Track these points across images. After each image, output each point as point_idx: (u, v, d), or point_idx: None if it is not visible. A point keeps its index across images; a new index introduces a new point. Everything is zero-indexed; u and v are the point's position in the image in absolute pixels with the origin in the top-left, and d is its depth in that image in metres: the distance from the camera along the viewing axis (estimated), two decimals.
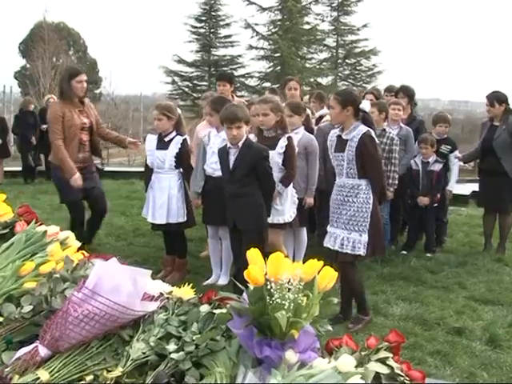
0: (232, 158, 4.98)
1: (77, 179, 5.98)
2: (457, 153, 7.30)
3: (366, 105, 4.76)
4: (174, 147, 5.80)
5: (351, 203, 4.68)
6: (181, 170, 5.88)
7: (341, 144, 4.76)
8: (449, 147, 7.28)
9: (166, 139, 5.81)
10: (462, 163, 7.43)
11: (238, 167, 4.93)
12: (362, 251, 4.62)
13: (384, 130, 6.70)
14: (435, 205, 7.24)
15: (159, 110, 5.78)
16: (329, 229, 4.88)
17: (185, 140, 5.85)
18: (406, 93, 7.79)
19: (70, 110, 6.09)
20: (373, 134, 4.68)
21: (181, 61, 27.88)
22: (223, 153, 5.07)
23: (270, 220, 5.17)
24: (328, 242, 4.82)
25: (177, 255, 6.09)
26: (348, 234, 4.67)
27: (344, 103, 4.68)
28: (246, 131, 4.98)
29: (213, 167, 5.73)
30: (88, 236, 6.44)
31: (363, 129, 4.64)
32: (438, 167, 7.11)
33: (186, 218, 5.86)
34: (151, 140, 5.94)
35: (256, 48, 27.66)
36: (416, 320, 4.99)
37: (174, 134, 5.83)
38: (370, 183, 4.66)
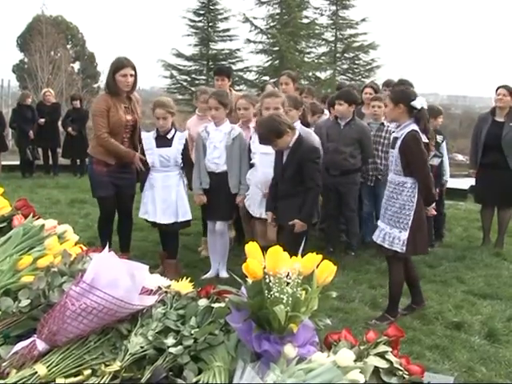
0: (284, 157, 5.10)
1: (137, 158, 5.79)
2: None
3: (418, 102, 4.72)
4: (178, 143, 5.75)
5: (395, 200, 4.74)
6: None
7: (394, 141, 4.86)
8: (441, 137, 7.30)
9: (169, 136, 5.74)
10: (461, 157, 7.44)
11: (289, 166, 5.06)
12: (399, 248, 4.66)
13: (382, 123, 6.70)
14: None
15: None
16: (378, 222, 5.04)
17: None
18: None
19: (116, 105, 5.77)
20: (418, 134, 4.69)
21: (179, 55, 27.85)
22: (278, 152, 5.16)
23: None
24: (375, 235, 4.95)
25: (167, 256, 6.03)
26: (390, 229, 4.75)
27: (395, 100, 4.75)
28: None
29: (215, 162, 5.77)
30: (120, 242, 6.22)
31: (410, 128, 4.69)
32: (436, 161, 7.11)
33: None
34: (148, 138, 5.82)
35: (254, 42, 27.64)
36: (415, 314, 5.00)
37: (173, 130, 5.78)
38: (417, 182, 4.70)
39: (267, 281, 2.02)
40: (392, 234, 4.70)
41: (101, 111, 5.72)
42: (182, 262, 6.30)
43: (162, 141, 5.74)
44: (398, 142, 4.69)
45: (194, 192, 5.92)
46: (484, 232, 7.57)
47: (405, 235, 4.64)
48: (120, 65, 5.73)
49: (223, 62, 27.55)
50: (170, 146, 5.72)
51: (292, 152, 5.05)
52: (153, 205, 5.81)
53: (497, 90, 7.37)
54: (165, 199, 5.74)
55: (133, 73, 5.77)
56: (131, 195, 6.20)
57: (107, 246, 2.46)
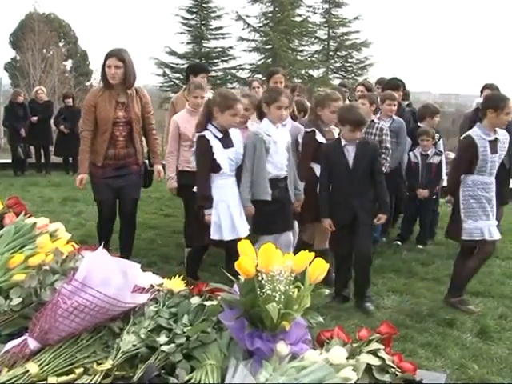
0: (351, 155, 5.12)
1: (78, 179, 5.51)
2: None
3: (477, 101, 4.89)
4: (239, 142, 5.18)
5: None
6: None
7: (494, 144, 5.10)
8: (438, 135, 7.34)
9: (231, 135, 5.16)
10: (454, 155, 7.48)
11: (361, 164, 5.10)
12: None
13: (372, 120, 6.69)
14: (433, 197, 7.34)
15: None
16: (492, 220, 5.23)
17: None
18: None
19: (106, 99, 5.40)
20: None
21: (172, 52, 27.83)
22: (337, 149, 5.18)
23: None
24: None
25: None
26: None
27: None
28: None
29: (281, 167, 5.34)
30: (120, 246, 5.84)
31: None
32: (437, 159, 7.17)
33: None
34: (213, 138, 5.03)
35: (247, 40, 27.63)
36: (407, 312, 5.02)
37: None
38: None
39: (260, 278, 2.02)
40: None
41: (87, 107, 5.51)
42: (174, 259, 6.30)
43: (228, 141, 5.08)
44: (505, 145, 5.13)
45: (244, 203, 5.14)
46: None
47: None
48: (106, 55, 5.39)
49: (216, 60, 27.58)
50: (233, 145, 5.09)
51: (362, 150, 5.12)
52: (229, 218, 5.03)
53: (482, 90, 7.77)
54: (238, 209, 5.09)
55: (119, 64, 5.30)
56: (133, 199, 5.75)
57: (101, 245, 2.45)
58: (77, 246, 2.92)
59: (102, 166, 5.49)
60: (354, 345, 2.19)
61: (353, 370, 1.97)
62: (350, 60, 28.83)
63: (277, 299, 1.98)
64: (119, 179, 5.54)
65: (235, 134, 5.16)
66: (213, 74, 27.28)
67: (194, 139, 5.11)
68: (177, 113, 6.59)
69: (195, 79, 6.31)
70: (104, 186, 5.53)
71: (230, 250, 5.00)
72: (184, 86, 7.13)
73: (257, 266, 2.05)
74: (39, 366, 2.11)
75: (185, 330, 2.17)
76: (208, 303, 2.29)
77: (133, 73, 5.47)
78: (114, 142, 5.47)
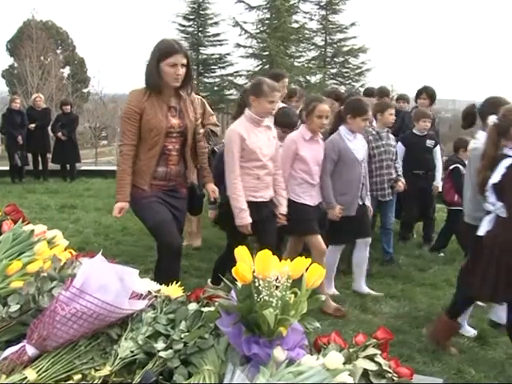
0: None
1: (117, 208, 4.28)
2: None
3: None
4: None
5: None
6: None
7: None
8: (433, 142, 7.33)
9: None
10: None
11: None
12: None
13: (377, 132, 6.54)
14: (439, 189, 7.34)
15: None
16: None
17: None
18: (429, 94, 7.84)
19: (155, 104, 4.28)
20: None
21: None
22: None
23: None
24: None
25: None
26: None
27: None
28: None
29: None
30: (159, 274, 4.50)
31: None
32: (432, 144, 7.23)
33: None
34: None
35: (244, 46, 27.67)
36: (404, 317, 5.03)
37: None
38: None
39: (256, 284, 2.03)
40: None
41: (129, 114, 4.28)
42: None
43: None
44: None
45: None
46: None
47: None
48: (169, 50, 4.23)
49: (213, 67, 27.61)
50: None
51: None
52: None
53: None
54: None
55: (185, 62, 4.28)
56: (180, 229, 4.71)
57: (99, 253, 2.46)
58: (74, 253, 2.93)
59: (149, 187, 4.37)
60: (351, 350, 2.19)
61: (349, 374, 1.98)
62: (347, 66, 28.89)
63: (274, 305, 1.99)
64: (170, 206, 4.45)
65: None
66: (210, 80, 27.35)
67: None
68: None
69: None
70: (157, 203, 4.35)
71: None
72: None
73: (254, 271, 2.06)
74: (37, 372, 2.11)
75: (182, 336, 2.18)
76: (205, 309, 2.30)
77: (191, 70, 4.58)
78: (166, 157, 4.39)
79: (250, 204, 4.72)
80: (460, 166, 6.96)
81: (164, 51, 4.22)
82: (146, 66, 4.29)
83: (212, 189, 4.70)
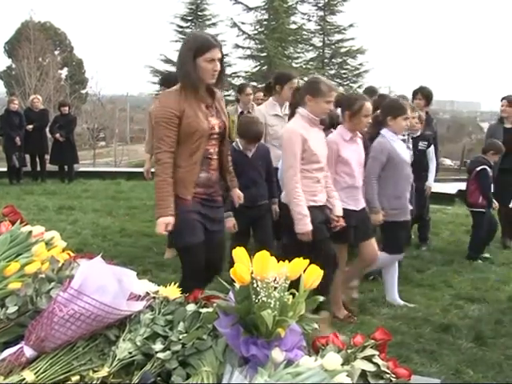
0: None
1: (163, 224, 3.75)
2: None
3: None
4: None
5: None
6: None
7: None
8: (425, 143, 7.25)
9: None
10: (449, 162, 7.52)
11: None
12: None
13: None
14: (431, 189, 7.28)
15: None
16: None
17: None
18: (424, 94, 7.71)
19: (193, 105, 3.86)
20: None
21: (167, 60, 27.84)
22: None
23: None
24: None
25: None
26: None
27: None
28: None
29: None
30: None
31: None
32: (424, 146, 7.12)
33: None
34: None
35: (242, 47, 27.70)
36: (403, 318, 5.02)
37: None
38: None
39: (255, 285, 2.03)
40: None
41: (167, 118, 3.81)
42: (169, 267, 6.31)
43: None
44: None
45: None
46: (503, 230, 7.92)
47: None
48: (206, 45, 3.86)
49: None
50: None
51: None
52: None
53: (501, 100, 7.87)
54: None
55: (220, 56, 3.94)
56: (222, 239, 4.25)
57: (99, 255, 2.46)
58: (72, 254, 2.93)
59: (192, 197, 3.94)
60: (349, 351, 2.20)
61: (347, 375, 1.98)
62: (345, 67, 28.91)
63: (272, 306, 1.99)
64: (211, 218, 4.03)
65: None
66: None
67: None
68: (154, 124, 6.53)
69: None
70: (196, 222, 3.93)
71: None
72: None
73: (252, 273, 2.06)
74: (35, 373, 2.11)
75: (180, 337, 2.19)
76: (203, 310, 2.30)
77: (224, 65, 4.20)
78: (208, 162, 4.00)
79: (310, 209, 4.41)
80: (487, 168, 6.94)
81: (201, 46, 3.85)
82: (179, 63, 3.93)
83: (238, 194, 4.36)
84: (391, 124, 5.21)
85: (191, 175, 3.88)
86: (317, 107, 4.47)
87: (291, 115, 4.69)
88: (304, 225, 4.34)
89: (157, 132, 3.89)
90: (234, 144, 5.36)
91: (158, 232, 3.81)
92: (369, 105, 4.88)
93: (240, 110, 7.86)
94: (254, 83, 25.62)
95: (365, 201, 5.07)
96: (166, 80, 6.48)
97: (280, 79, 6.16)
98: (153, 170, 6.90)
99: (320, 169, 4.51)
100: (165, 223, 3.75)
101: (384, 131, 5.24)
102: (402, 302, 5.40)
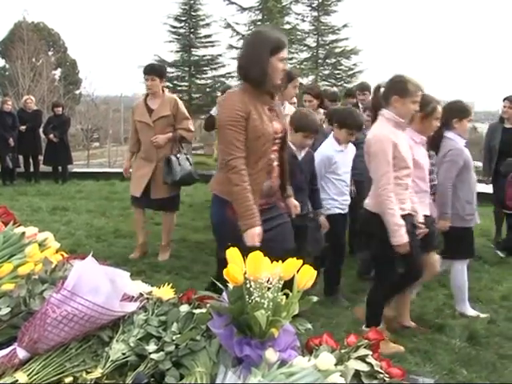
0: None
1: (254, 235, 3.46)
2: None
3: None
4: None
5: None
6: None
7: None
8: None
9: None
10: None
11: None
12: None
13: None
14: None
15: None
16: None
17: None
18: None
19: (258, 108, 3.61)
20: None
21: (161, 61, 27.73)
22: None
23: None
24: None
25: None
26: None
27: None
28: None
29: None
30: None
31: None
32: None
33: None
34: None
35: (236, 48, 27.64)
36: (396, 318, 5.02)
37: None
38: None
39: (248, 286, 2.03)
40: None
41: (235, 121, 3.53)
42: (163, 268, 6.31)
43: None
44: None
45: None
46: (496, 231, 7.99)
47: None
48: (281, 42, 3.70)
49: (205, 68, 27.59)
50: None
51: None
52: None
53: (503, 101, 7.85)
54: None
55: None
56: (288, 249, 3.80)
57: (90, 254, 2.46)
58: (66, 255, 2.93)
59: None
60: (343, 351, 2.20)
61: (341, 375, 1.99)
62: (339, 67, 28.89)
63: (265, 306, 1.99)
64: (271, 228, 3.76)
65: None
66: (202, 81, 27.31)
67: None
68: (136, 120, 6.59)
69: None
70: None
71: None
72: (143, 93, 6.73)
73: (245, 273, 2.06)
74: (28, 375, 2.11)
75: (174, 338, 2.19)
76: (197, 311, 2.30)
77: None
78: (271, 169, 3.76)
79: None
80: None
81: (276, 44, 3.63)
82: (250, 61, 3.63)
83: (294, 204, 4.08)
84: (457, 126, 5.06)
85: (258, 184, 3.62)
86: (404, 108, 4.17)
87: (374, 118, 4.39)
88: (400, 236, 4.07)
89: (224, 136, 3.57)
90: None
91: (252, 244, 3.41)
92: (440, 108, 4.72)
93: None
94: None
95: (436, 206, 4.95)
96: (153, 70, 6.63)
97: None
98: (130, 170, 6.90)
99: (408, 175, 4.27)
100: (255, 235, 3.47)
101: (451, 134, 5.05)
102: (474, 313, 5.20)
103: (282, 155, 3.84)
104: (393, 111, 4.18)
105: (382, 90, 4.32)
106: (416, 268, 4.33)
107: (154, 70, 6.65)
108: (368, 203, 4.33)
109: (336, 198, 5.44)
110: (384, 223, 4.11)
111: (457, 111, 5.07)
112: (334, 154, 5.38)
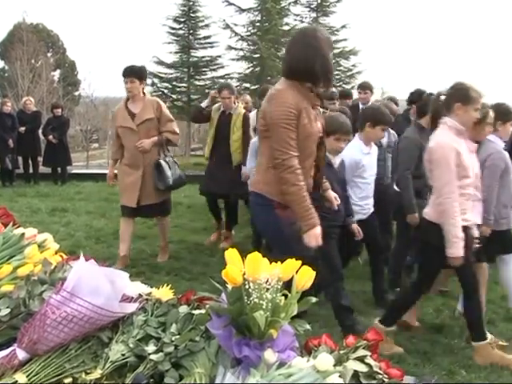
0: None
1: (317, 236, 3.46)
2: None
3: None
4: None
5: None
6: None
7: None
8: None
9: None
10: None
11: None
12: None
13: None
14: None
15: None
16: None
17: None
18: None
19: (307, 107, 3.53)
20: None
21: (160, 62, 27.79)
22: None
23: None
24: None
25: None
26: None
27: None
28: None
29: None
30: None
31: None
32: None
33: None
34: None
35: (235, 49, 27.65)
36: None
37: None
38: None
39: (247, 287, 2.04)
40: None
41: (289, 119, 3.43)
42: (163, 269, 6.31)
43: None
44: None
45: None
46: None
47: None
48: (330, 42, 3.74)
49: (204, 69, 27.59)
50: None
51: None
52: None
53: None
54: None
55: None
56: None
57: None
58: (65, 257, 2.93)
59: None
60: (342, 352, 2.21)
61: (340, 376, 1.99)
62: (338, 68, 28.85)
63: (264, 307, 2.00)
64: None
65: None
66: (201, 82, 27.31)
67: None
68: (118, 126, 6.35)
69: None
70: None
71: None
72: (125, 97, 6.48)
73: (244, 274, 2.07)
74: (28, 376, 2.12)
75: (173, 339, 2.19)
76: (196, 312, 2.31)
77: None
78: (312, 169, 3.79)
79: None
80: None
81: (332, 43, 3.63)
82: (313, 58, 3.50)
83: (334, 196, 4.14)
84: (500, 129, 4.99)
85: (306, 184, 3.53)
86: (466, 116, 4.09)
87: (434, 126, 4.36)
88: (458, 249, 3.99)
89: (278, 134, 3.44)
90: None
91: (311, 245, 3.44)
92: (492, 113, 4.70)
93: (222, 110, 7.40)
94: (248, 85, 25.68)
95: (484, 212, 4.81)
96: (133, 72, 6.30)
97: None
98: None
99: (470, 184, 4.18)
100: (317, 235, 3.46)
101: (492, 137, 4.96)
102: None
103: (318, 155, 3.74)
104: (455, 119, 4.11)
105: (443, 97, 4.26)
106: (472, 281, 4.29)
107: (134, 72, 6.32)
108: (427, 212, 4.27)
109: (359, 203, 5.26)
110: (442, 233, 4.05)
111: (501, 114, 4.98)
112: (362, 158, 5.22)
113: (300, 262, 2.16)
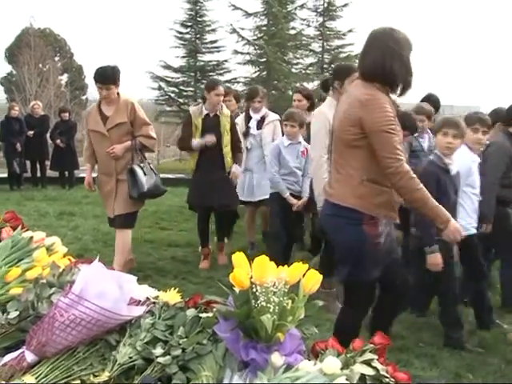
0: None
1: (458, 229, 3.42)
2: None
3: None
4: None
5: None
6: None
7: None
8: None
9: None
10: None
11: None
12: None
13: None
14: None
15: None
16: None
17: None
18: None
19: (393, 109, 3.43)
20: None
21: (167, 66, 27.83)
22: None
23: None
24: None
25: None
26: None
27: None
28: None
29: None
30: None
31: None
32: None
33: None
34: None
35: (242, 53, 27.66)
36: (403, 323, 5.01)
37: None
38: None
39: (254, 290, 2.05)
40: None
41: (391, 123, 3.28)
42: (170, 273, 6.32)
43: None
44: None
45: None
46: None
47: None
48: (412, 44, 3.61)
49: (211, 73, 27.60)
50: None
51: None
52: None
53: None
54: None
55: None
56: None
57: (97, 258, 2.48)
58: (73, 260, 2.95)
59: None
60: (348, 355, 2.21)
61: (347, 379, 1.99)
62: None
63: (271, 310, 2.00)
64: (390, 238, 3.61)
65: None
66: None
67: None
68: (89, 130, 5.83)
69: None
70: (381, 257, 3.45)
71: None
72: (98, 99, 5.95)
73: (251, 277, 2.07)
74: (36, 378, 2.13)
75: (180, 342, 2.20)
76: (203, 315, 2.31)
77: None
78: None
79: None
80: None
81: (411, 46, 3.50)
82: (397, 62, 3.37)
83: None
84: None
85: (395, 194, 3.41)
86: None
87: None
88: None
89: (384, 141, 3.23)
90: (432, 157, 4.44)
91: (456, 240, 3.46)
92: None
93: (206, 112, 6.49)
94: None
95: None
96: (108, 79, 5.71)
97: (339, 73, 5.20)
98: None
99: None
100: (457, 227, 3.39)
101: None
102: None
103: None
104: None
105: None
106: None
107: (108, 78, 5.69)
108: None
109: (472, 216, 4.78)
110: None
111: None
112: (472, 165, 4.76)
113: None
